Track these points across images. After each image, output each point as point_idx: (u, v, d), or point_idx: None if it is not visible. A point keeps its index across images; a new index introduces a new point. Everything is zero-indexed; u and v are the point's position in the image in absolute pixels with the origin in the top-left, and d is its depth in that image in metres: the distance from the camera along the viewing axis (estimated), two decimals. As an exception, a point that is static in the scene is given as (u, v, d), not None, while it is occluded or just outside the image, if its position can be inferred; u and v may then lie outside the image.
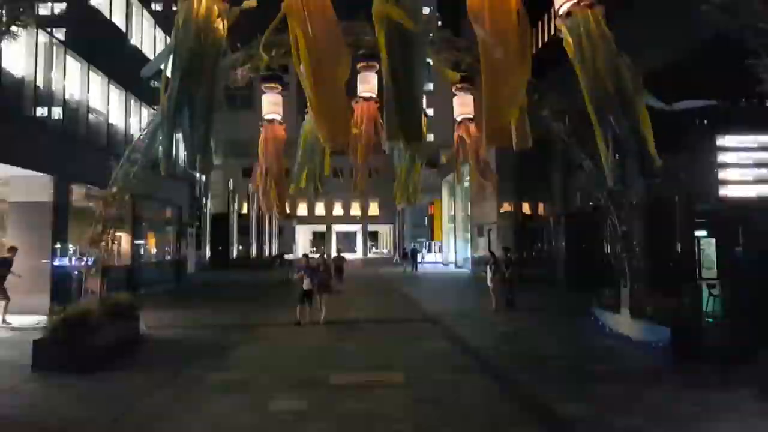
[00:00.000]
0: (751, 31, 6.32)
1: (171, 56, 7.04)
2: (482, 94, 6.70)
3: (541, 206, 22.93)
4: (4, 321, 12.06)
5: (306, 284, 12.11)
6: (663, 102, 7.00)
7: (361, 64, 10.71)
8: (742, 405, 6.23)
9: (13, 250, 12.72)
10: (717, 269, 12.00)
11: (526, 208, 24.55)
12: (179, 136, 7.37)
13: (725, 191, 7.66)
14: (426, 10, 53.69)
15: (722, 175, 7.68)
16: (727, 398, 6.48)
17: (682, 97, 12.55)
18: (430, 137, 46.00)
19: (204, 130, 7.12)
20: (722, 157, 7.72)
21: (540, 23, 18.49)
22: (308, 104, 6.76)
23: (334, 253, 22.94)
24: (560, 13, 7.11)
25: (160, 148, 7.97)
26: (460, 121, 11.77)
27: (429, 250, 46.69)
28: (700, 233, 12.55)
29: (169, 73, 7.16)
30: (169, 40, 8.01)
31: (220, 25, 7.13)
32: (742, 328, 9.99)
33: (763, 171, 7.57)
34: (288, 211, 12.17)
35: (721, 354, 8.31)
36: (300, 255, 58.83)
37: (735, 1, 6.20)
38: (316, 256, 20.98)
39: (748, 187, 7.57)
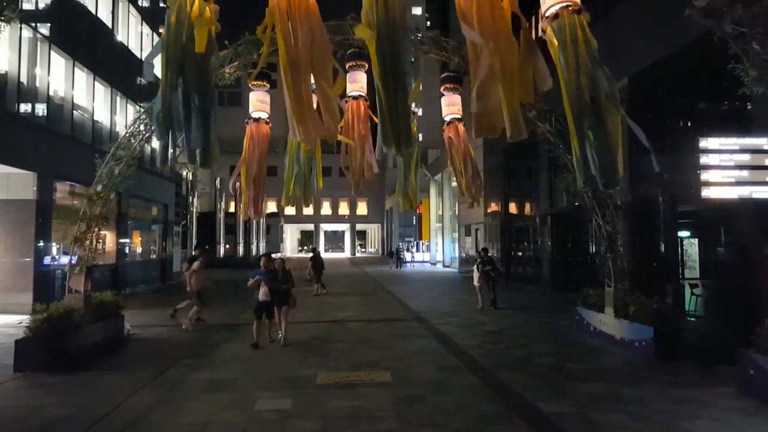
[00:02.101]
0: (733, 35, 6.44)
1: (162, 52, 7.02)
2: (471, 87, 6.77)
3: (527, 206, 23.09)
4: (198, 319, 12.19)
5: (262, 294, 9.86)
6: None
7: (350, 63, 10.69)
8: (721, 403, 6.35)
9: (206, 252, 12.84)
10: (699, 269, 12.21)
11: (512, 207, 24.71)
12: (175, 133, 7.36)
13: (708, 192, 7.76)
14: (416, 11, 53.70)
15: (705, 176, 7.77)
16: (707, 396, 6.60)
17: (667, 98, 12.73)
18: (420, 138, 45.98)
19: (204, 123, 7.13)
20: (704, 159, 7.81)
21: (528, 25, 18.60)
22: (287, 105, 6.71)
23: (315, 253, 21.89)
24: (547, 15, 7.23)
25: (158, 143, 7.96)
26: (449, 122, 11.80)
27: (417, 250, 46.87)
28: (683, 234, 12.77)
29: (158, 70, 7.13)
30: (155, 37, 7.97)
31: (212, 24, 7.12)
32: (724, 328, 10.17)
33: (744, 173, 7.68)
34: (262, 212, 11.97)
35: (703, 353, 8.48)
36: (287, 254, 58.22)
37: (718, 6, 6.32)
38: (310, 256, 20.67)
39: (730, 188, 7.68)
